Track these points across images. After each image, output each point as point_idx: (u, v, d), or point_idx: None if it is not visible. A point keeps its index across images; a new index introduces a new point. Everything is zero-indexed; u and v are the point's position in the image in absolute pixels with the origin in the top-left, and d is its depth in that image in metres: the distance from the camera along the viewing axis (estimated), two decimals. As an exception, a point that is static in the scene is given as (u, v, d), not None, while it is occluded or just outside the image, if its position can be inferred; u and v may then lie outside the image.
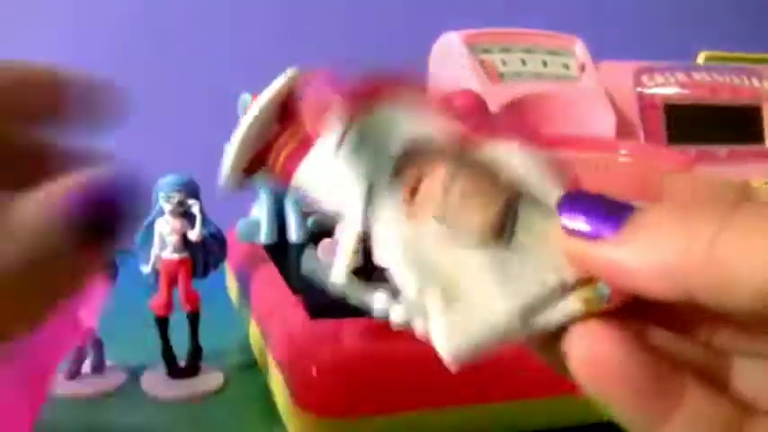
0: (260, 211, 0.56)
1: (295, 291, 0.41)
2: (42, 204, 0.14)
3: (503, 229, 0.15)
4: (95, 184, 0.14)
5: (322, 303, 0.40)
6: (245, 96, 0.54)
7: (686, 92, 0.54)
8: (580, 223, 0.15)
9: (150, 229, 0.49)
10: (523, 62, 0.50)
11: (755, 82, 0.55)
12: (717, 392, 0.15)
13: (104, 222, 0.14)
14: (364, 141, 0.16)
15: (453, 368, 0.15)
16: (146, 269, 0.50)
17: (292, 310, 0.39)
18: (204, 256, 0.50)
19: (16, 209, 0.14)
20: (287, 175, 0.17)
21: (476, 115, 0.16)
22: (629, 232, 0.14)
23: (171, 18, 0.77)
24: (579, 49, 0.52)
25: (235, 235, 0.55)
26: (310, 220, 0.57)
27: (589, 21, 0.68)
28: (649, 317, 0.16)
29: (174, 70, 0.78)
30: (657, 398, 0.15)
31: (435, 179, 0.16)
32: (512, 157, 0.16)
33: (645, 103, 0.53)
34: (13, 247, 0.14)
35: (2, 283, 0.13)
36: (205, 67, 0.77)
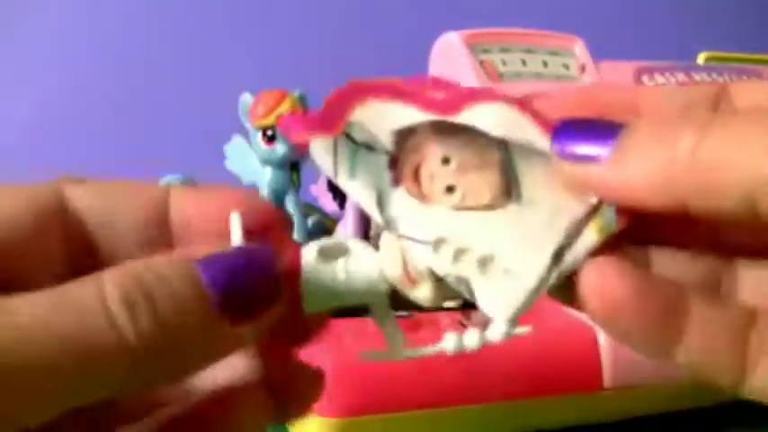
0: (260, 211, 0.55)
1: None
2: (183, 267, 0.14)
3: (509, 188, 0.16)
4: (233, 258, 0.14)
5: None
6: (246, 96, 0.54)
7: (686, 92, 0.54)
8: (574, 149, 0.15)
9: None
10: (523, 62, 0.50)
11: (755, 82, 0.55)
12: (721, 304, 0.16)
13: (243, 298, 0.14)
14: (355, 151, 0.16)
15: (504, 328, 0.15)
16: (146, 269, 0.50)
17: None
18: (204, 255, 0.50)
19: (153, 268, 0.14)
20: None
21: (446, 85, 0.17)
22: (619, 151, 0.15)
23: (171, 18, 0.77)
24: (579, 49, 0.52)
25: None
26: (311, 220, 0.57)
27: (589, 21, 0.68)
28: (655, 238, 0.17)
29: (174, 70, 0.78)
30: (664, 323, 0.15)
31: (432, 158, 0.16)
32: (490, 115, 0.16)
33: (645, 104, 0.53)
34: (152, 308, 0.13)
35: (138, 345, 0.13)
36: (205, 68, 0.77)
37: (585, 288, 0.15)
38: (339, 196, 0.54)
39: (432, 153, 0.16)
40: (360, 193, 0.16)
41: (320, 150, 0.16)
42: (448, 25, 0.51)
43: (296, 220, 0.55)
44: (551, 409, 0.37)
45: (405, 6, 0.82)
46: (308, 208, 0.58)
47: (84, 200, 0.17)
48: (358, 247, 0.17)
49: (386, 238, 0.17)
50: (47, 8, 0.76)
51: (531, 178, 0.16)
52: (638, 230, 0.17)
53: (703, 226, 0.17)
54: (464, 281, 0.16)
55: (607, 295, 0.15)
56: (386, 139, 0.16)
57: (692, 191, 0.14)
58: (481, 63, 0.48)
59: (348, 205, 0.51)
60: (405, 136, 0.16)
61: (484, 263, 0.16)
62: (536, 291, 0.16)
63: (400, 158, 0.16)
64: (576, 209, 0.16)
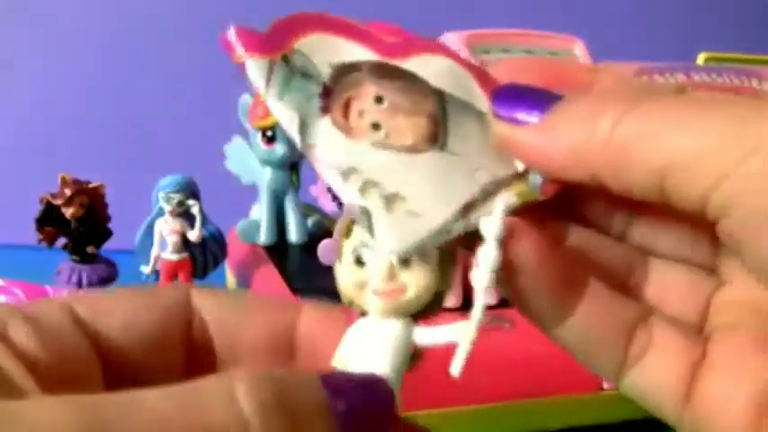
0: (260, 212, 0.56)
1: (295, 291, 0.41)
2: (314, 383, 0.13)
3: (435, 137, 0.16)
4: (358, 383, 0.14)
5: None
6: (245, 97, 0.54)
7: (686, 92, 0.54)
8: (509, 111, 0.16)
9: (150, 229, 0.49)
10: (523, 63, 0.50)
11: (755, 83, 0.55)
12: (619, 294, 0.16)
13: (361, 426, 0.14)
14: (290, 75, 0.16)
15: (395, 256, 0.15)
16: (146, 269, 0.50)
17: (292, 311, 0.38)
18: (204, 256, 0.50)
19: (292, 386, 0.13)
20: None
21: (396, 33, 0.17)
22: (546, 120, 0.15)
23: (172, 17, 0.77)
24: (579, 49, 0.52)
25: (235, 235, 0.55)
26: (310, 221, 0.57)
27: (589, 21, 0.68)
28: (576, 216, 0.18)
29: (175, 70, 0.78)
30: (557, 295, 0.16)
31: (365, 96, 0.16)
32: (434, 64, 0.16)
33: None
34: (284, 416, 0.12)
35: None
36: (205, 68, 0.77)
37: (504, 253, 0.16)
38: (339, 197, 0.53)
39: (366, 91, 0.16)
40: (283, 113, 0.16)
41: (255, 68, 0.16)
42: (448, 25, 0.51)
43: (295, 220, 0.55)
44: (551, 409, 0.37)
45: (405, 7, 0.82)
46: (308, 208, 0.58)
47: (212, 311, 0.17)
48: (351, 333, 0.17)
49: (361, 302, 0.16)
50: (48, 6, 0.76)
51: (461, 135, 0.16)
52: (563, 205, 0.17)
53: (624, 211, 0.17)
54: (366, 213, 0.15)
55: (508, 254, 0.15)
56: (324, 70, 0.16)
57: (604, 165, 0.14)
58: (481, 63, 0.48)
59: (348, 205, 0.51)
60: (344, 71, 0.16)
61: (390, 200, 0.16)
62: (435, 236, 0.15)
63: (334, 91, 0.16)
64: (500, 170, 0.16)
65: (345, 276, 0.16)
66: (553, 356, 0.38)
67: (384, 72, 0.16)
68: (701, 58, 0.61)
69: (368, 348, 0.16)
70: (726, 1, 0.91)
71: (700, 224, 0.16)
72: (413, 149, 0.16)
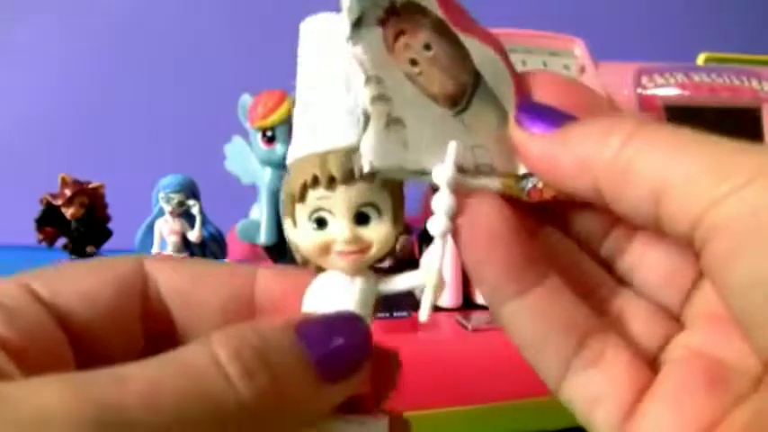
0: (260, 212, 0.55)
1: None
2: (287, 329, 0.14)
3: (456, 103, 0.17)
4: (335, 329, 0.15)
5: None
6: (245, 97, 0.54)
7: (686, 93, 0.54)
8: (529, 120, 0.17)
9: (150, 229, 0.49)
10: (524, 63, 0.50)
11: (755, 83, 0.55)
12: (578, 301, 0.17)
13: (340, 365, 0.15)
14: None
15: (366, 169, 0.16)
16: (145, 269, 0.50)
17: (292, 311, 0.38)
18: (204, 256, 0.50)
19: (268, 337, 0.14)
20: None
21: (464, 13, 0.18)
22: (562, 132, 0.16)
23: (172, 18, 0.77)
24: (579, 49, 0.52)
25: (235, 235, 0.55)
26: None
27: (589, 21, 0.68)
28: (566, 229, 0.18)
29: (175, 70, 0.78)
30: (520, 268, 0.16)
31: (419, 37, 0.17)
32: (485, 53, 0.17)
33: (645, 105, 0.53)
34: (265, 367, 0.13)
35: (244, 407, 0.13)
36: (205, 68, 0.77)
37: (462, 206, 0.17)
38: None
39: (422, 35, 0.17)
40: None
41: None
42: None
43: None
44: (551, 409, 0.37)
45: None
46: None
47: (167, 280, 0.18)
48: (313, 290, 0.17)
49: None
50: (48, 6, 0.76)
51: (478, 117, 0.17)
52: (555, 215, 0.18)
53: (612, 240, 0.18)
54: (366, 118, 0.16)
55: (476, 220, 0.16)
56: None
57: (606, 180, 0.15)
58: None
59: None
60: (414, 9, 0.17)
61: (392, 121, 0.17)
62: (410, 172, 0.17)
63: (397, 14, 0.17)
64: (498, 161, 0.17)
65: (307, 241, 0.17)
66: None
67: (443, 31, 0.17)
68: (701, 59, 0.61)
69: (335, 304, 0.17)
70: (726, 1, 0.91)
71: (678, 271, 0.17)
72: (434, 98, 0.17)
